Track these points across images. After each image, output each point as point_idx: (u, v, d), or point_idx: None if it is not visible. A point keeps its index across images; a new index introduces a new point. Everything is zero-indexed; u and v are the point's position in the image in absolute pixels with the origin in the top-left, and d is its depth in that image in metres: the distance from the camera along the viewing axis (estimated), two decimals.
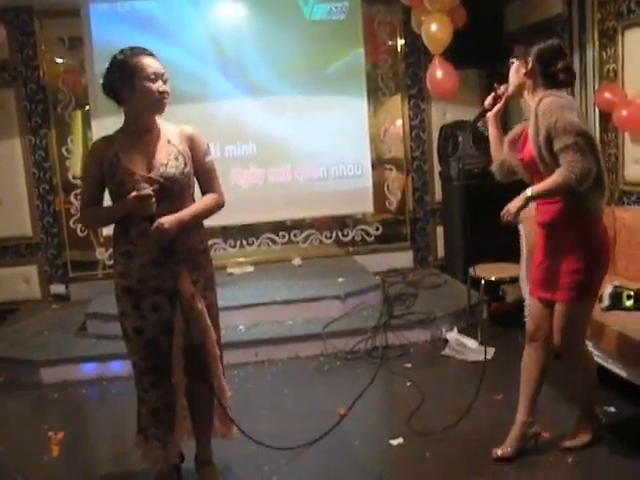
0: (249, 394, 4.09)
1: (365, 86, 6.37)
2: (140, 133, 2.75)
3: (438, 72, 5.25)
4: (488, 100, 3.15)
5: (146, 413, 2.85)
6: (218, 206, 2.87)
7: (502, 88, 3.12)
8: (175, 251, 2.73)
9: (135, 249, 2.74)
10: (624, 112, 4.41)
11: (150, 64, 2.68)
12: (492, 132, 3.19)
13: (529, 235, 4.28)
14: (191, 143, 2.81)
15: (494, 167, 3.22)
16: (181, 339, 2.74)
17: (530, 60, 2.99)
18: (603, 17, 4.73)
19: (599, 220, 2.96)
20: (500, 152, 3.17)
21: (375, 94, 6.44)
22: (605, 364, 3.59)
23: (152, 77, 2.67)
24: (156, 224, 2.64)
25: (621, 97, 4.50)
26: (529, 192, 2.90)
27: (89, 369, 4.57)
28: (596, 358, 3.66)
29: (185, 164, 2.77)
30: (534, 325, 3.15)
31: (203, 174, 2.86)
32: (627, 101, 4.45)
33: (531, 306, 3.20)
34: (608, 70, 4.72)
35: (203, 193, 2.88)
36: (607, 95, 4.58)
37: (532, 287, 3.16)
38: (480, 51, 6.13)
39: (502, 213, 2.93)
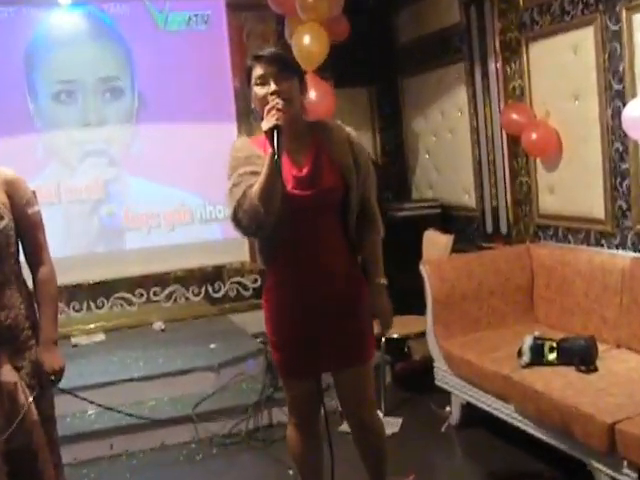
0: None
1: (234, 109, 6.40)
2: None
3: (311, 92, 5.33)
4: (277, 120, 2.76)
5: None
6: (57, 285, 2.79)
7: (279, 102, 2.82)
8: None
9: None
10: (533, 135, 4.62)
11: None
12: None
13: (434, 282, 4.38)
14: (10, 190, 2.70)
15: (273, 207, 2.80)
16: (1, 442, 2.60)
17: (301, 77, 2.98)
18: (504, 27, 4.97)
19: None
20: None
21: (246, 118, 6.46)
22: (523, 427, 3.70)
23: None
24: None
25: (529, 118, 4.71)
26: (384, 281, 3.08)
27: None
28: (514, 421, 3.77)
29: (2, 216, 2.65)
30: (308, 411, 3.22)
31: (26, 230, 2.75)
32: (536, 122, 4.67)
33: (295, 391, 3.20)
34: (514, 87, 4.95)
35: (26, 255, 2.78)
36: (514, 116, 4.79)
37: (296, 369, 3.12)
38: (369, 67, 6.33)
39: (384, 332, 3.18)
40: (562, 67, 4.49)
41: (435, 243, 4.96)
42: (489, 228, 5.45)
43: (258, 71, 2.88)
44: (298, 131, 2.96)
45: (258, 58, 2.89)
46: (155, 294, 6.37)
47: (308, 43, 5.18)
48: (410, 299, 4.67)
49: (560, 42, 4.49)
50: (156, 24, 6.26)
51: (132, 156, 6.24)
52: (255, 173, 2.84)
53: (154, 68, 6.25)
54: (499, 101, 5.13)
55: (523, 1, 4.78)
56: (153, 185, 6.28)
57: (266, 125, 2.76)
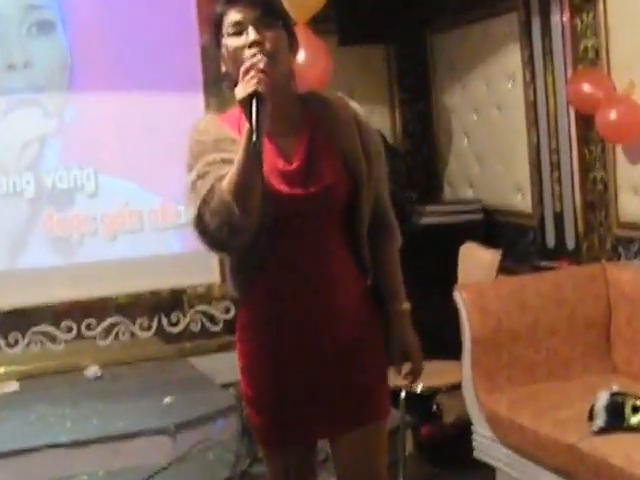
0: None
1: (200, 74, 6.43)
2: None
3: (300, 52, 5.32)
4: (257, 84, 2.70)
5: None
6: None
7: (261, 59, 2.79)
8: None
9: None
10: (612, 114, 4.61)
11: None
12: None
13: (474, 315, 4.38)
14: None
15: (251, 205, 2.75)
16: None
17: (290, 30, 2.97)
18: None
19: None
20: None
21: (217, 87, 6.46)
22: None
23: None
24: None
25: (607, 90, 4.72)
26: (407, 305, 3.09)
27: None
28: None
29: None
30: None
31: None
32: (616, 97, 4.67)
33: (280, 465, 3.13)
34: (586, 48, 4.96)
35: None
36: (586, 87, 4.80)
37: (281, 435, 3.06)
38: (386, 18, 6.35)
39: (411, 375, 3.12)
40: None
41: (475, 261, 4.96)
42: (550, 241, 5.47)
43: (232, 16, 2.84)
44: (286, 106, 2.91)
45: (232, 1, 2.85)
46: (88, 328, 6.38)
47: None
48: (439, 338, 4.67)
49: None
50: None
51: (61, 134, 6.26)
52: (227, 161, 2.77)
53: (93, 14, 6.27)
54: (565, 67, 5.15)
55: None
56: (86, 174, 6.29)
57: (242, 92, 2.68)
